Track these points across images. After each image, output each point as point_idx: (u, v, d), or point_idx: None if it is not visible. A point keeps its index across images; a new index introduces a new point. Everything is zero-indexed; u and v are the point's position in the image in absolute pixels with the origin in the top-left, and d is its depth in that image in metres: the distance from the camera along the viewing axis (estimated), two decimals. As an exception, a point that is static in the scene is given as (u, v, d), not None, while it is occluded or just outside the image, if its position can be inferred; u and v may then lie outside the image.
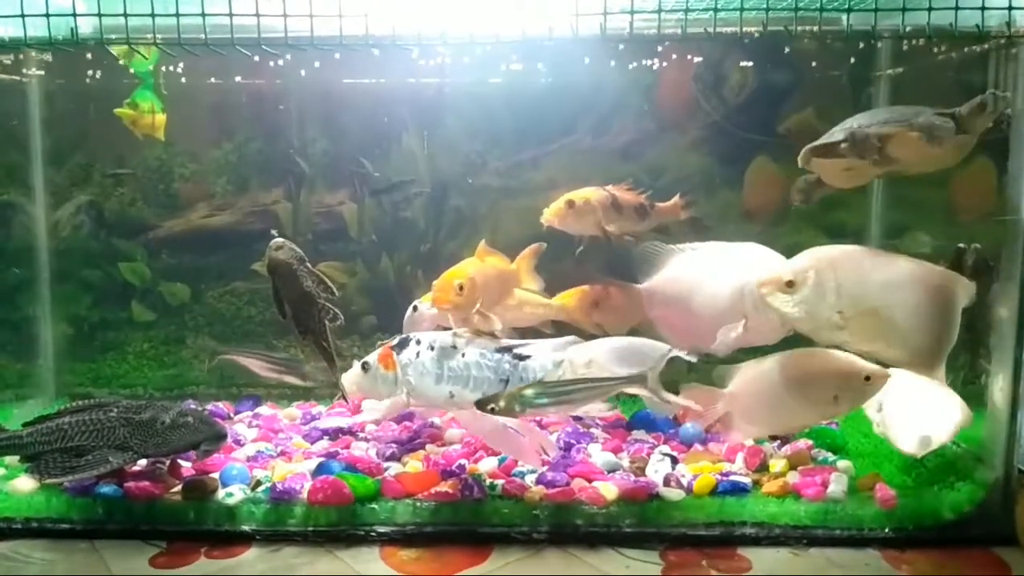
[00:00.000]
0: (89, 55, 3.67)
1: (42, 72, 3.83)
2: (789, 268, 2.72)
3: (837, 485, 2.81)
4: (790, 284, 2.68)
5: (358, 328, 3.98)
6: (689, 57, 3.84)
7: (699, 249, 3.01)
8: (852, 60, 3.75)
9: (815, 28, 2.77)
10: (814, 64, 3.83)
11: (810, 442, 3.17)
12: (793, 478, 2.89)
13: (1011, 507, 2.77)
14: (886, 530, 2.73)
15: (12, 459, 2.96)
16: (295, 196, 4.00)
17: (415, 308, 3.13)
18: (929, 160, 2.73)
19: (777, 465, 2.97)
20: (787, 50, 3.72)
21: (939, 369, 2.71)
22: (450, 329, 3.05)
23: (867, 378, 2.77)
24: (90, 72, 3.77)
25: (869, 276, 2.69)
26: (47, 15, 2.69)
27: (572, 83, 3.83)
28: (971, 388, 2.96)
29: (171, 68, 3.75)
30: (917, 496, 2.82)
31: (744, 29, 2.74)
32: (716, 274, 2.96)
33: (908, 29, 2.74)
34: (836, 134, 2.77)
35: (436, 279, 3.03)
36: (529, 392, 2.59)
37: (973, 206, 3.35)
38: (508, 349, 2.72)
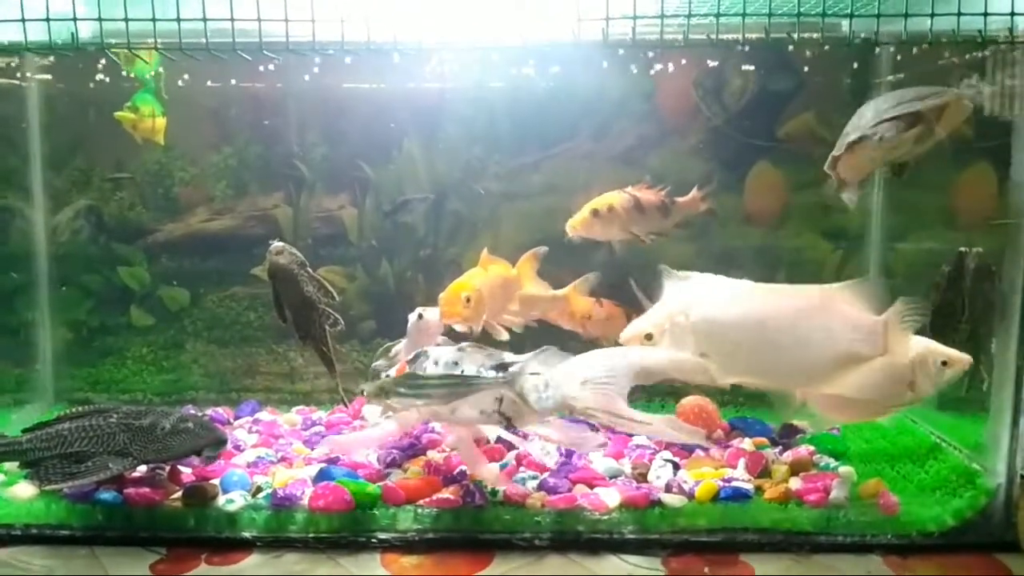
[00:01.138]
0: (90, 60, 3.65)
1: (42, 76, 3.82)
2: (647, 321, 2.73)
3: (839, 491, 2.80)
4: (649, 337, 2.70)
5: (358, 333, 3.97)
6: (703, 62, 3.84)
7: (694, 278, 2.98)
8: (855, 65, 3.76)
9: (817, 35, 2.77)
10: (809, 69, 3.83)
11: (812, 448, 3.17)
12: (795, 484, 2.88)
13: (1013, 513, 2.76)
14: (888, 536, 2.73)
15: (11, 465, 2.94)
16: (295, 201, 4.00)
17: (420, 316, 3.12)
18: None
19: (779, 471, 2.97)
20: (808, 55, 3.72)
21: (866, 385, 2.71)
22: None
23: (944, 363, 2.77)
24: (90, 76, 3.76)
25: (725, 312, 2.71)
26: (47, 19, 2.68)
27: (573, 88, 3.82)
28: (973, 394, 2.96)
29: (172, 72, 3.74)
30: (919, 502, 2.82)
31: (746, 35, 2.74)
32: None
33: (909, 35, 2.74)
34: (865, 125, 2.76)
35: (439, 288, 3.03)
36: (396, 384, 2.67)
37: (975, 210, 3.35)
38: (504, 365, 2.73)
